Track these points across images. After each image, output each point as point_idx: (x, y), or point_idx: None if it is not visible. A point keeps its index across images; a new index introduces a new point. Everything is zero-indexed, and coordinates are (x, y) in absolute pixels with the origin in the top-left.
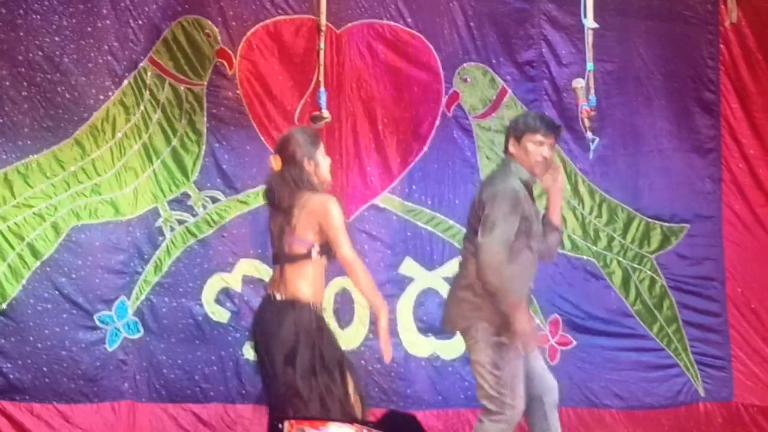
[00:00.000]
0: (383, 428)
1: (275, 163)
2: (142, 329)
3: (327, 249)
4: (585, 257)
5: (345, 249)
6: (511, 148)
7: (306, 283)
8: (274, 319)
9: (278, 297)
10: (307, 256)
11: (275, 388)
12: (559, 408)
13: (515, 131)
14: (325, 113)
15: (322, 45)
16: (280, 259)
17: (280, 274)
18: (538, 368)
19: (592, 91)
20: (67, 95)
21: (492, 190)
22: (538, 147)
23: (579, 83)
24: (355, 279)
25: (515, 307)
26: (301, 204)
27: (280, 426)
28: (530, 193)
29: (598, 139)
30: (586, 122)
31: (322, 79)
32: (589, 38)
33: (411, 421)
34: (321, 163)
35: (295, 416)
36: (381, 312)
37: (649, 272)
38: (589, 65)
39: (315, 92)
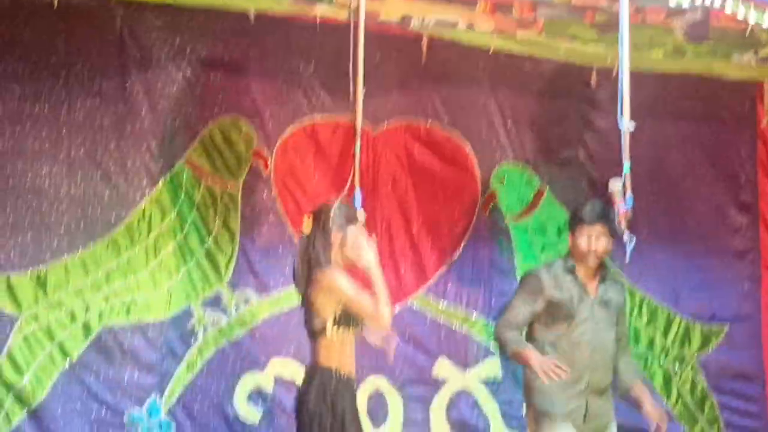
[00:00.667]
0: None
1: (305, 224)
2: (174, 430)
3: (346, 319)
4: None
5: (383, 313)
6: (569, 242)
7: (328, 352)
8: (302, 390)
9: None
10: (323, 331)
11: None
12: None
13: (570, 225)
14: (360, 214)
15: (357, 148)
16: (308, 333)
17: (311, 348)
18: None
19: (629, 192)
20: (106, 194)
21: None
22: (586, 239)
23: (616, 184)
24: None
25: (526, 356)
26: (315, 281)
27: None
28: (579, 280)
29: (635, 239)
30: (624, 223)
31: (357, 181)
32: (626, 139)
33: None
34: (348, 240)
35: None
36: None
37: (690, 373)
38: (626, 166)
39: (350, 193)
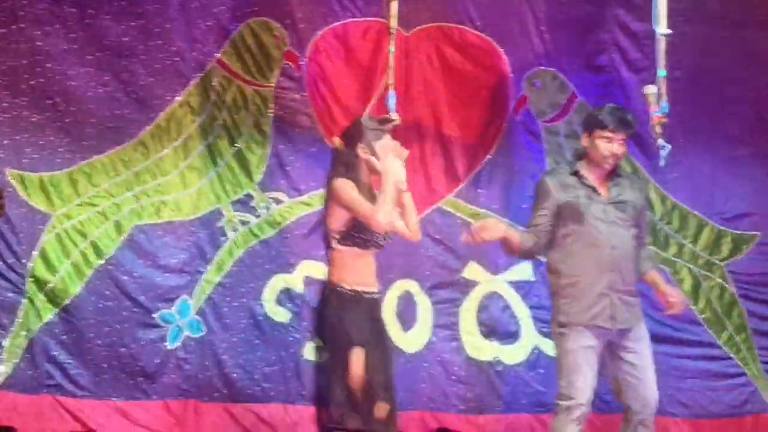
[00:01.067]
0: None
1: (337, 142)
2: (204, 328)
3: (351, 236)
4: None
5: (378, 216)
6: (584, 141)
7: (334, 267)
8: (317, 307)
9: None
10: (330, 247)
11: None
12: (620, 414)
13: (587, 125)
14: (394, 116)
15: (392, 48)
16: (324, 248)
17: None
18: (629, 376)
19: (664, 97)
20: (134, 95)
21: None
22: (606, 143)
23: (651, 90)
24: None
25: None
26: (328, 191)
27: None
28: (586, 181)
29: (669, 147)
30: (658, 129)
31: (392, 81)
32: (661, 44)
33: None
34: (378, 154)
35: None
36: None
37: (719, 280)
38: (661, 71)
39: (384, 95)
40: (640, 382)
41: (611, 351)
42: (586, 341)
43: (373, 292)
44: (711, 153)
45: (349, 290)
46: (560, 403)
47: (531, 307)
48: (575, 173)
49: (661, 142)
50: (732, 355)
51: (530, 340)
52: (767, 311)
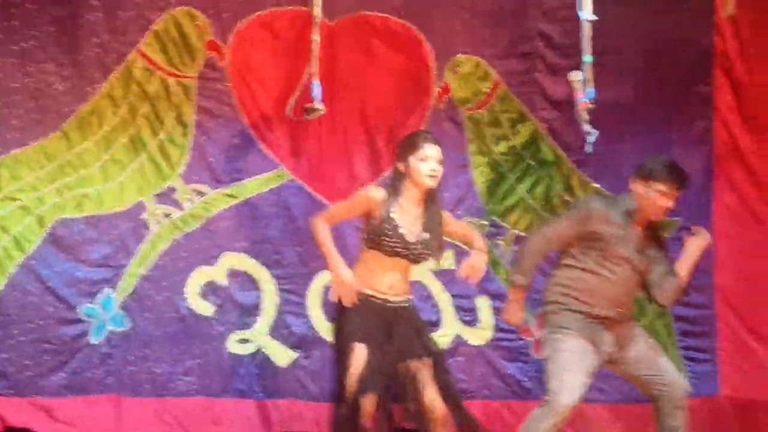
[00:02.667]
0: None
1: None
2: (128, 323)
3: (370, 241)
4: None
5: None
6: (637, 187)
7: (358, 269)
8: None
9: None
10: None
11: None
12: (540, 401)
13: (645, 173)
14: (319, 105)
15: (316, 37)
16: None
17: None
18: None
19: (590, 83)
20: (58, 87)
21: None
22: (662, 197)
23: (576, 76)
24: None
25: (512, 294)
26: None
27: None
28: (632, 224)
29: (596, 132)
30: (584, 115)
31: (316, 70)
32: (586, 30)
33: None
34: (413, 167)
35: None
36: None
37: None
38: (587, 57)
39: (308, 84)
40: (652, 370)
41: (617, 364)
42: (582, 345)
43: (384, 299)
44: (631, 138)
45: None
46: (546, 398)
47: (453, 296)
48: (628, 213)
49: (587, 128)
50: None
51: (451, 328)
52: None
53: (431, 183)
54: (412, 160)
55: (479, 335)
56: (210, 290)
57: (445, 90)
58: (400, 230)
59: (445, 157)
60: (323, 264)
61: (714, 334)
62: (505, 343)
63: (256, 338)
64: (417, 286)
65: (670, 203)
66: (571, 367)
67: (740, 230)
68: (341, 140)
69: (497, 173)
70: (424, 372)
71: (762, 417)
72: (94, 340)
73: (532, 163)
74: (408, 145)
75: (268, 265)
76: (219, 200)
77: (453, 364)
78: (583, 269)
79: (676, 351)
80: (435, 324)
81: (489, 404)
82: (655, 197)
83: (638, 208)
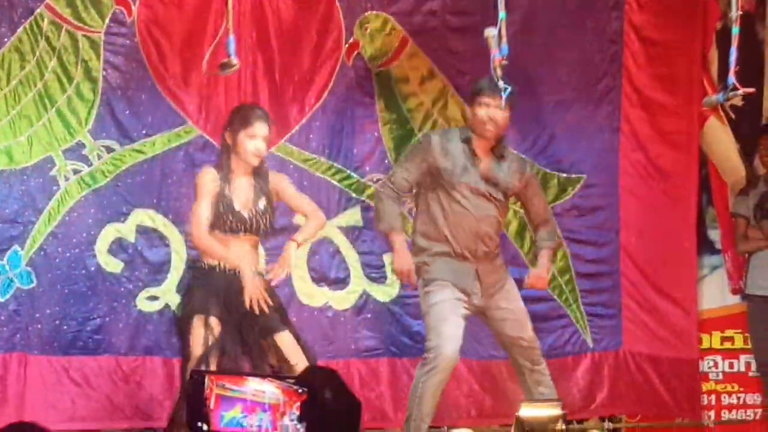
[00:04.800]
0: (304, 383)
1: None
2: (35, 280)
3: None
4: None
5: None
6: (470, 111)
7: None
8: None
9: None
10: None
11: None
12: None
13: (471, 91)
14: (234, 60)
15: None
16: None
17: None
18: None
19: (504, 40)
20: None
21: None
22: (483, 108)
23: (491, 32)
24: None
25: (391, 243)
26: None
27: (197, 378)
28: (472, 151)
29: (509, 88)
30: (498, 71)
31: (231, 26)
32: None
33: (331, 375)
34: (241, 143)
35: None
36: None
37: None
38: (502, 14)
39: (223, 39)
40: (515, 330)
41: (485, 314)
42: (452, 294)
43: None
44: (538, 97)
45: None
46: (427, 355)
47: (360, 253)
48: (465, 140)
49: (502, 84)
50: (555, 297)
51: (359, 285)
52: (591, 253)
53: (255, 162)
54: (242, 135)
55: (387, 292)
56: (119, 247)
57: (354, 46)
58: (236, 207)
59: (354, 114)
60: None
61: (618, 291)
62: (412, 300)
63: (165, 295)
64: (324, 242)
65: (491, 113)
66: (447, 317)
67: (645, 187)
68: (250, 97)
69: (405, 130)
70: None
71: (664, 372)
72: (1, 297)
73: (440, 120)
74: (240, 119)
75: (177, 222)
76: (128, 156)
77: (361, 321)
78: (437, 208)
79: (580, 308)
80: (343, 281)
81: (396, 361)
82: (477, 112)
83: (474, 133)
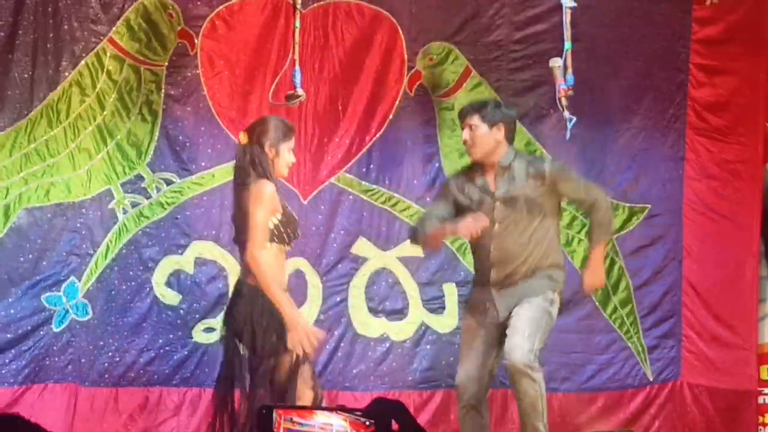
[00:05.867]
0: (371, 415)
1: (242, 137)
2: (91, 312)
3: (278, 235)
4: None
5: (255, 243)
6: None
7: (271, 261)
8: (246, 305)
9: (249, 282)
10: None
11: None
12: (504, 390)
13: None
14: (300, 91)
15: (297, 23)
16: (241, 242)
17: (243, 257)
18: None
19: (570, 70)
20: (25, 75)
21: None
22: (465, 131)
23: (556, 63)
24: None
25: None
26: (250, 188)
27: (264, 412)
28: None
29: (575, 119)
30: (564, 101)
31: (297, 57)
32: (567, 17)
33: (399, 407)
34: (282, 155)
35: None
36: (282, 308)
37: (609, 253)
38: (567, 44)
39: (289, 71)
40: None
41: (500, 333)
42: (469, 323)
43: None
44: (603, 126)
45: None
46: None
47: (420, 284)
48: (467, 173)
49: (567, 114)
50: (616, 329)
51: (418, 316)
52: (653, 283)
53: (287, 173)
54: (283, 147)
55: (445, 323)
56: (176, 279)
57: (417, 76)
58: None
59: (415, 144)
60: (290, 252)
61: (679, 321)
62: None
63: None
64: (384, 273)
65: (464, 133)
66: (466, 348)
67: (708, 216)
68: (311, 125)
69: (467, 160)
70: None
71: (720, 403)
72: (56, 328)
73: None
74: (282, 131)
75: (232, 252)
76: (187, 189)
77: (419, 352)
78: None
79: (641, 340)
80: (401, 312)
81: (453, 393)
82: (465, 134)
83: (472, 160)
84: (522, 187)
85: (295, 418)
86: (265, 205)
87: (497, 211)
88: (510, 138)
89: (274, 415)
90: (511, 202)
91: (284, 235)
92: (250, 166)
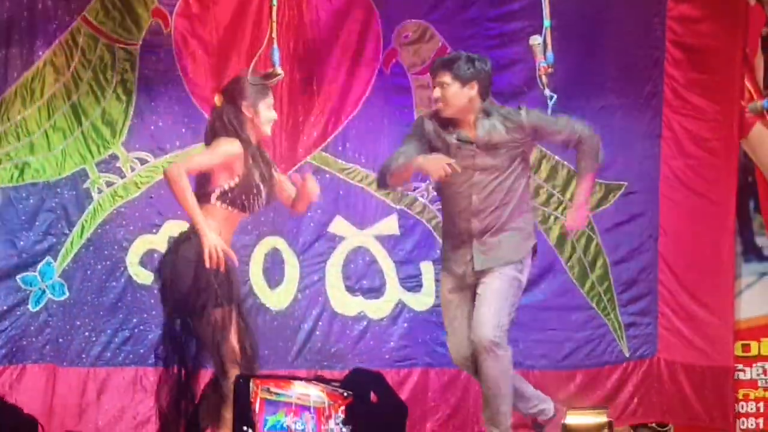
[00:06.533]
0: (349, 386)
1: (217, 99)
2: (67, 291)
3: (231, 198)
4: None
5: (184, 162)
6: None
7: (211, 220)
8: (171, 248)
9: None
10: (207, 198)
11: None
12: None
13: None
14: (278, 70)
15: (274, 1)
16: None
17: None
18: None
19: (549, 48)
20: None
21: None
22: (435, 90)
23: (536, 40)
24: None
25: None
26: (211, 147)
27: (241, 382)
28: (442, 126)
29: (555, 96)
30: (544, 79)
31: (275, 35)
32: None
33: (377, 379)
34: (261, 114)
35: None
36: (195, 218)
37: (586, 230)
38: (546, 22)
39: (266, 49)
40: (478, 306)
41: (472, 293)
42: (448, 295)
43: None
44: (581, 103)
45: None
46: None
47: (396, 262)
48: (440, 120)
49: (547, 92)
50: (593, 305)
51: (395, 294)
52: (630, 260)
53: (269, 131)
54: (262, 105)
55: (422, 302)
56: (151, 259)
57: (393, 54)
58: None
59: (391, 122)
60: (267, 230)
61: (655, 298)
62: None
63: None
64: (360, 251)
65: (435, 92)
66: (448, 326)
67: (684, 194)
68: (287, 104)
69: None
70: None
71: (697, 380)
72: (33, 308)
73: None
74: (258, 90)
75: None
76: (161, 168)
77: (396, 330)
78: (439, 189)
79: (618, 316)
80: (378, 290)
81: (430, 371)
82: (436, 92)
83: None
84: (502, 137)
85: (272, 388)
86: (216, 154)
87: (478, 159)
88: (484, 93)
89: (251, 384)
90: (493, 150)
91: (238, 200)
92: (222, 127)
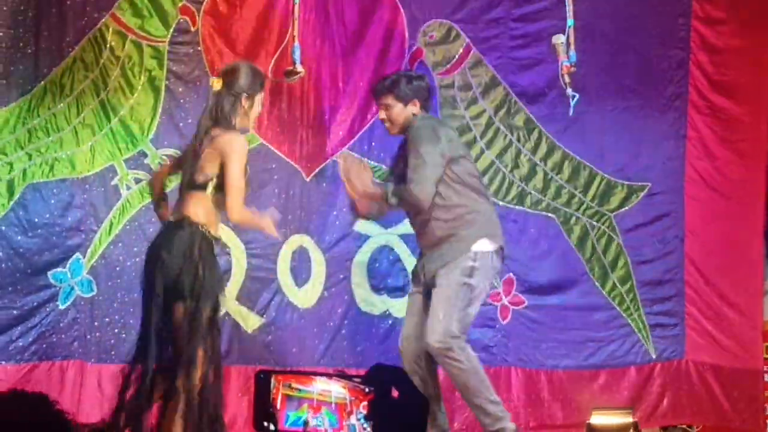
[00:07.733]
0: (370, 382)
1: (215, 83)
2: (96, 288)
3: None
4: (544, 213)
5: (232, 178)
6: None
7: (200, 209)
8: (163, 237)
9: (171, 219)
10: (203, 188)
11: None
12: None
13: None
14: (299, 68)
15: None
16: (183, 185)
17: (180, 200)
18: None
19: (572, 47)
20: (29, 50)
21: None
22: (381, 112)
23: (559, 39)
24: (229, 207)
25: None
26: (211, 137)
27: (262, 377)
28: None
29: (578, 96)
30: (567, 78)
31: (296, 33)
32: None
33: (399, 375)
34: (255, 107)
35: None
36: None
37: (607, 230)
38: (570, 21)
39: (288, 47)
40: (428, 316)
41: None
42: (412, 293)
43: None
44: (601, 104)
45: (209, 234)
46: None
47: None
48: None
49: (570, 91)
50: (615, 306)
51: None
52: (655, 260)
53: (253, 127)
54: (258, 99)
55: None
56: None
57: (418, 54)
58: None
59: None
60: (293, 229)
61: (682, 299)
62: None
63: (224, 304)
64: (385, 250)
65: (387, 112)
66: (406, 319)
67: (710, 194)
68: (313, 103)
69: (468, 138)
70: None
71: (726, 382)
72: (62, 305)
73: (502, 127)
74: (258, 82)
75: (237, 231)
76: None
77: None
78: None
79: (642, 317)
80: (402, 289)
81: None
82: (381, 114)
83: None
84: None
85: (294, 384)
86: (242, 160)
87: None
88: (426, 107)
89: (272, 380)
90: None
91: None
92: (219, 115)
